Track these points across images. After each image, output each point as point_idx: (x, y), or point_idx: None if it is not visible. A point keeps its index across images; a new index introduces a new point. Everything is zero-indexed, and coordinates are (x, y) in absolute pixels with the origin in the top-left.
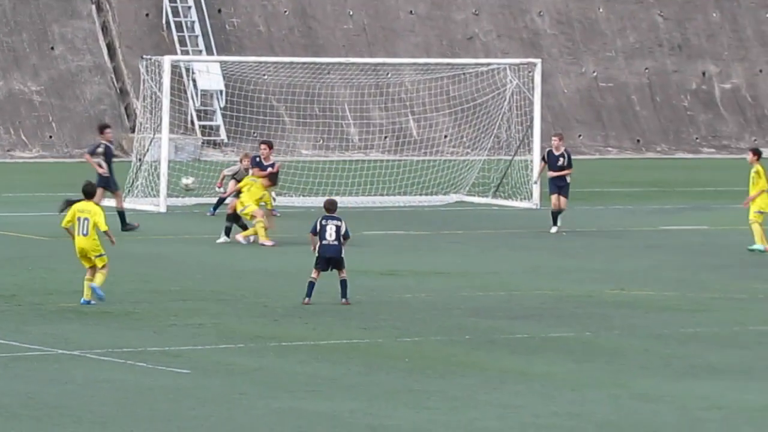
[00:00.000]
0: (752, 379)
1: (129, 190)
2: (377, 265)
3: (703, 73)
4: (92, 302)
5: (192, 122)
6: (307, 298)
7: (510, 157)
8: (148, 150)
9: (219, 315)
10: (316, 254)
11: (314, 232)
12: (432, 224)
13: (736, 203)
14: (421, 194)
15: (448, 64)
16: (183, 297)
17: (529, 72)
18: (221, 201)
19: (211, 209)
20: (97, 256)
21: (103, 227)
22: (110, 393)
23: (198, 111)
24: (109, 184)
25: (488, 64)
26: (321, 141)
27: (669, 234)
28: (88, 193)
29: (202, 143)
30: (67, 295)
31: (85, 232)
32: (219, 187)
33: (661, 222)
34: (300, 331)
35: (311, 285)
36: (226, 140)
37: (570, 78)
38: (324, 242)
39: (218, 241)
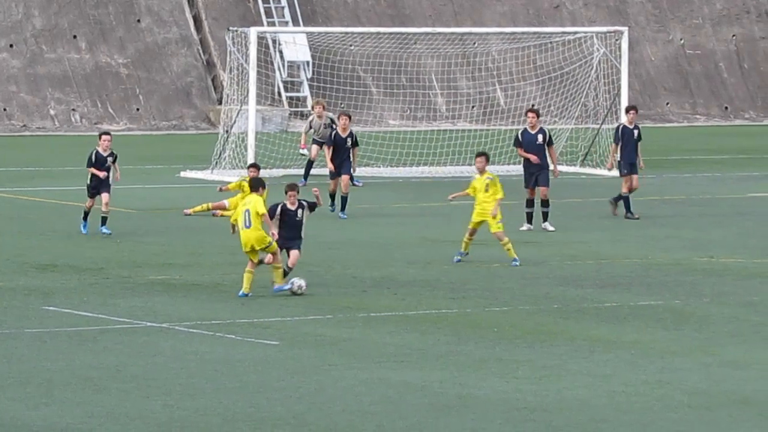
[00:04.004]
0: None
1: (216, 162)
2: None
3: None
4: (249, 294)
5: (279, 94)
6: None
7: (598, 126)
8: (235, 122)
9: (307, 286)
10: None
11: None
12: (520, 193)
13: None
14: (508, 163)
15: (534, 33)
16: (271, 269)
17: (616, 40)
18: (310, 167)
19: (302, 180)
20: (266, 248)
21: (261, 210)
22: (199, 365)
23: (285, 82)
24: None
25: (575, 33)
26: (408, 111)
27: (757, 201)
28: (254, 186)
29: (289, 114)
30: (155, 268)
31: (247, 224)
32: (303, 149)
33: (749, 189)
34: (388, 302)
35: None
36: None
37: (657, 46)
38: None
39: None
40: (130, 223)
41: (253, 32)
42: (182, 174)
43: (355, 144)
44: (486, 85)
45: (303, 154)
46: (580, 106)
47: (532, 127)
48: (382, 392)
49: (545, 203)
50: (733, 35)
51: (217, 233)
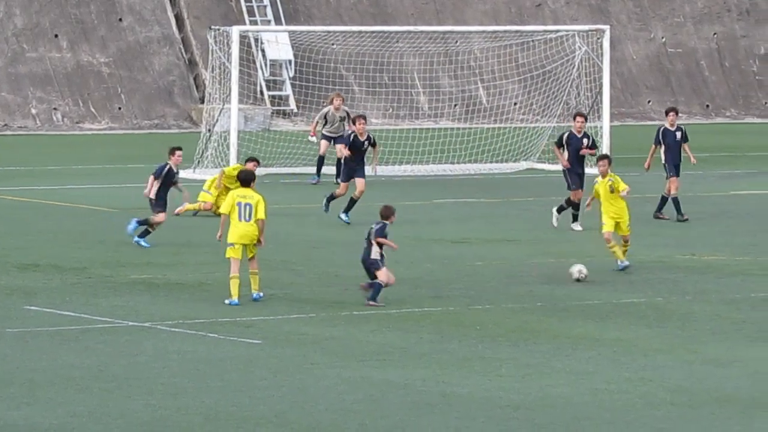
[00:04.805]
0: None
1: (198, 161)
2: (448, 233)
3: None
4: (239, 302)
5: (261, 92)
6: (368, 301)
7: None
8: (217, 121)
9: (290, 285)
10: None
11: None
12: (503, 192)
13: None
14: (491, 162)
15: (516, 31)
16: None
17: (598, 39)
18: (321, 163)
19: (315, 177)
20: (255, 245)
21: (262, 215)
22: (181, 364)
23: (267, 81)
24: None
25: (557, 31)
26: (391, 110)
27: (739, 199)
28: (246, 180)
29: (272, 113)
30: (137, 267)
31: (246, 218)
32: (312, 136)
33: (731, 187)
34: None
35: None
36: (295, 110)
37: (639, 44)
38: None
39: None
40: (112, 223)
41: (235, 31)
42: None
43: (373, 144)
44: (468, 84)
45: (311, 141)
46: (562, 104)
47: (579, 131)
48: (365, 391)
49: (577, 206)
50: (714, 33)
51: (199, 232)
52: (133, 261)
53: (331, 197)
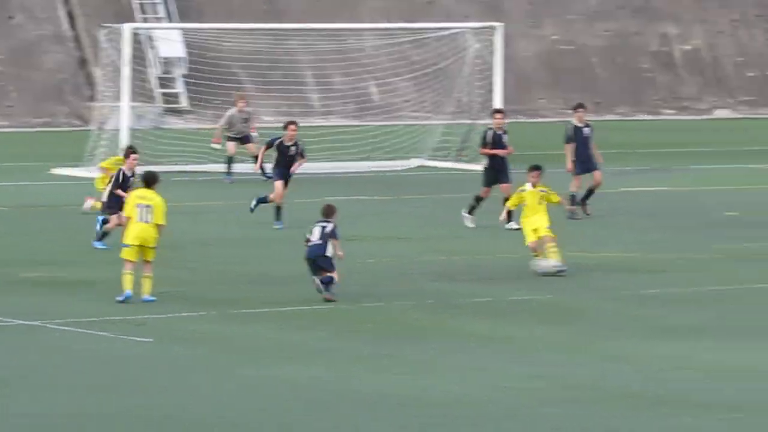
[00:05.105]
0: (711, 338)
1: (89, 159)
2: (340, 230)
3: (664, 35)
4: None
5: (153, 90)
6: (326, 294)
7: (471, 121)
8: (108, 119)
9: (183, 283)
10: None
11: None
12: (394, 189)
13: (696, 164)
14: (382, 159)
15: (408, 28)
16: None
17: (490, 36)
18: (231, 162)
19: (228, 177)
20: (152, 248)
21: (161, 220)
22: (72, 363)
23: (159, 79)
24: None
25: (449, 29)
26: (283, 107)
27: (630, 196)
28: (149, 181)
29: (164, 111)
30: (25, 265)
31: (147, 219)
32: (216, 143)
33: (622, 184)
34: (264, 298)
35: (320, 286)
36: (188, 108)
37: (530, 41)
38: (310, 243)
39: None
40: (1, 220)
41: (126, 29)
42: (54, 171)
43: (302, 155)
44: (360, 81)
45: (214, 149)
46: (454, 101)
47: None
48: (258, 389)
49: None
50: (606, 30)
51: (91, 231)
52: (21, 259)
53: (264, 200)
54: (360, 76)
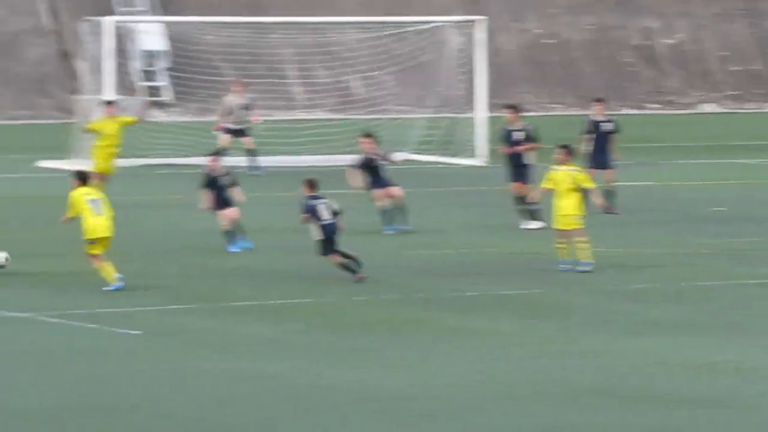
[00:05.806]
0: (696, 334)
1: (74, 152)
2: None
3: (647, 29)
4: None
5: (136, 83)
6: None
7: (453, 115)
8: (92, 111)
9: (170, 276)
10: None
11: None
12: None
13: (680, 159)
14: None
15: (389, 22)
16: (129, 258)
17: (472, 30)
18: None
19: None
20: (110, 238)
21: (112, 211)
22: (61, 355)
23: (142, 72)
24: None
25: (430, 23)
26: (265, 101)
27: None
28: (85, 179)
29: (147, 103)
30: (16, 258)
31: (101, 211)
32: (217, 131)
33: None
34: (246, 292)
35: (344, 269)
36: (170, 100)
37: (513, 35)
38: (323, 221)
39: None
40: None
41: (109, 22)
42: (40, 164)
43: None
44: (343, 75)
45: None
46: (436, 95)
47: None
48: (241, 382)
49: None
50: (589, 24)
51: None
52: (10, 252)
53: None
54: (342, 69)
